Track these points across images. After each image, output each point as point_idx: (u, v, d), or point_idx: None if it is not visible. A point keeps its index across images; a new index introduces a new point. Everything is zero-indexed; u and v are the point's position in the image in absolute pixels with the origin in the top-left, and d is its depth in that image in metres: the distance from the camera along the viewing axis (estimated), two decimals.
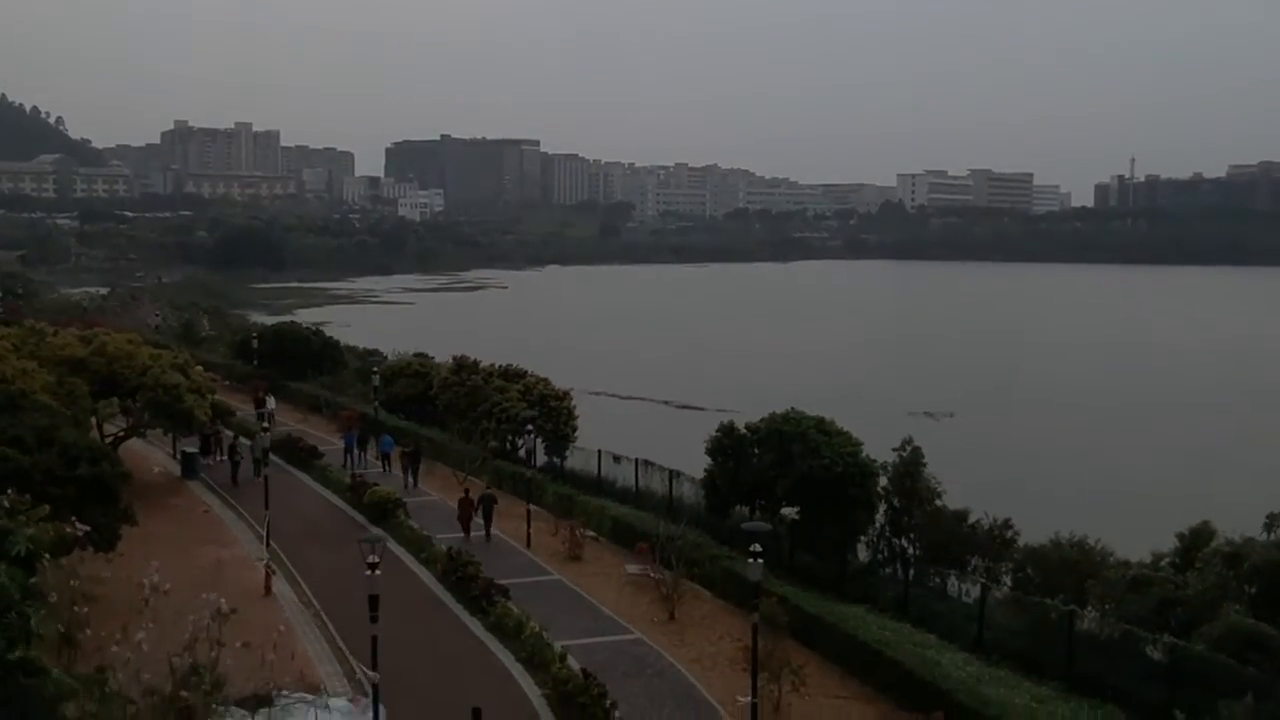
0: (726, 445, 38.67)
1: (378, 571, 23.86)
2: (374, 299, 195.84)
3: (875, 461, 38.79)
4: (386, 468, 49.90)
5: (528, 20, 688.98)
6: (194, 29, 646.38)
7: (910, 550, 38.54)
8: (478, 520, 40.07)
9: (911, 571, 37.20)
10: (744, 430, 38.77)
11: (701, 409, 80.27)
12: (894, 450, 39.87)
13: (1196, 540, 35.00)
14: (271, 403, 58.50)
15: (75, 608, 20.62)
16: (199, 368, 48.85)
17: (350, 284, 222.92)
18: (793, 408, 38.98)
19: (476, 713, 23.00)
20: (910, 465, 39.82)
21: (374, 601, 23.55)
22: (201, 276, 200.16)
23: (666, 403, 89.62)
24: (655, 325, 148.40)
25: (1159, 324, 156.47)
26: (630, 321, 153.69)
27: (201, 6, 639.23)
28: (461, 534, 39.52)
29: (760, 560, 25.14)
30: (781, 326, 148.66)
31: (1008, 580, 35.84)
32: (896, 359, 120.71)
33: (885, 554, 39.70)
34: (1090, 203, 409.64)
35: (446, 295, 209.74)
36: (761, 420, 38.94)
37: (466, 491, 41.59)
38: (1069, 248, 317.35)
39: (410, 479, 47.29)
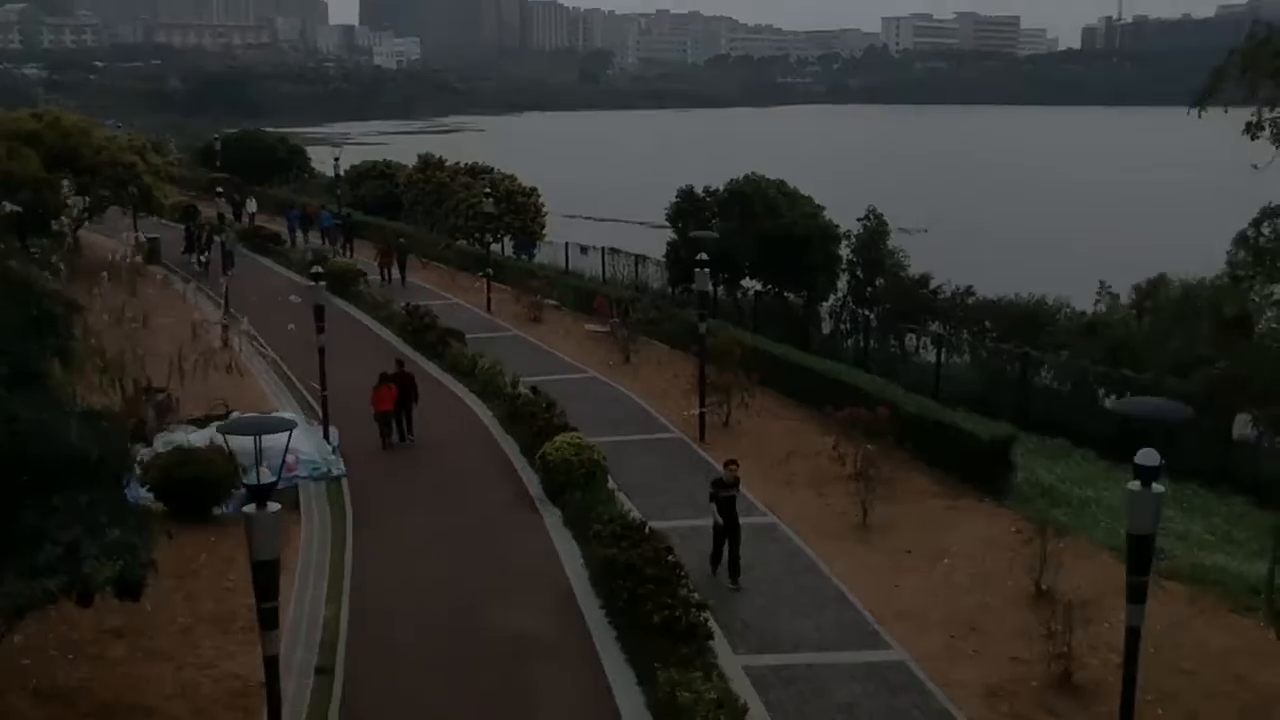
0: (686, 209, 38.43)
1: (323, 283, 23.88)
2: (350, 142, 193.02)
3: (839, 227, 38.68)
4: (324, 241, 51.55)
5: None
6: None
7: (872, 320, 38.59)
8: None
9: (873, 339, 37.32)
10: (704, 194, 38.51)
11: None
12: (858, 220, 39.71)
13: (1154, 291, 35.18)
14: (253, 205, 58.25)
15: None
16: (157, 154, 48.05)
17: (326, 129, 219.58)
18: (754, 171, 38.63)
19: (400, 363, 26.06)
20: (874, 234, 39.68)
21: (319, 312, 23.64)
22: (175, 122, 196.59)
23: (642, 223, 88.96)
24: (632, 159, 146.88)
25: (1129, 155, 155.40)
26: (607, 156, 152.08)
27: None
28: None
29: (708, 270, 25.29)
30: (755, 159, 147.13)
31: (966, 336, 35.91)
32: (870, 186, 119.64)
33: (848, 325, 39.77)
34: (1078, 45, 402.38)
35: (424, 138, 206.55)
36: (723, 186, 38.67)
37: (386, 245, 46.21)
38: (1055, 90, 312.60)
39: (346, 250, 50.04)
